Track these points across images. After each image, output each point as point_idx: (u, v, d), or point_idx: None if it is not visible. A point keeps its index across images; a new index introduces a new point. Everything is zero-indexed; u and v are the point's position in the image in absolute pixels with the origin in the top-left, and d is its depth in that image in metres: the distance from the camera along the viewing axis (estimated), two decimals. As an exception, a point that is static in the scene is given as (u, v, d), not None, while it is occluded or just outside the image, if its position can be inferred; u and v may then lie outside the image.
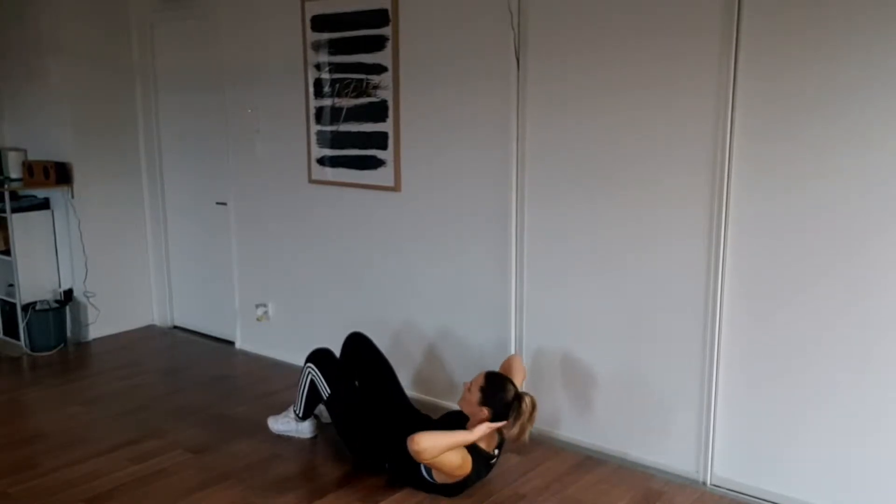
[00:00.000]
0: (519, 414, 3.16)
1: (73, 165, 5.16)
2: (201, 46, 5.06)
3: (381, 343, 3.96)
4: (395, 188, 4.17)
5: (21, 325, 5.13)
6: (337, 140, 4.39)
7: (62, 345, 5.21)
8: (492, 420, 3.20)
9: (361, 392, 3.74)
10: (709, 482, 3.36)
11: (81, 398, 4.39)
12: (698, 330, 3.29)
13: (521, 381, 3.41)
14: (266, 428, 3.89)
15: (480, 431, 3.18)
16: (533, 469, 3.51)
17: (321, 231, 4.62)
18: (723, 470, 3.33)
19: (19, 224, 5.12)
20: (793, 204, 2.99)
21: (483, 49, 3.72)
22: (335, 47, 4.29)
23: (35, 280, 5.23)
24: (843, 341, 2.95)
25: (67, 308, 5.26)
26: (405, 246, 4.22)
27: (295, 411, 3.78)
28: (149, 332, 5.64)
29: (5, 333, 5.39)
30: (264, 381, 4.63)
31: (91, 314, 5.35)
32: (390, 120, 4.11)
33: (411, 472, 3.25)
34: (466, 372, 4.01)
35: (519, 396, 3.21)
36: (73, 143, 5.16)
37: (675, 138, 3.23)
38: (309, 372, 3.64)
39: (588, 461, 3.59)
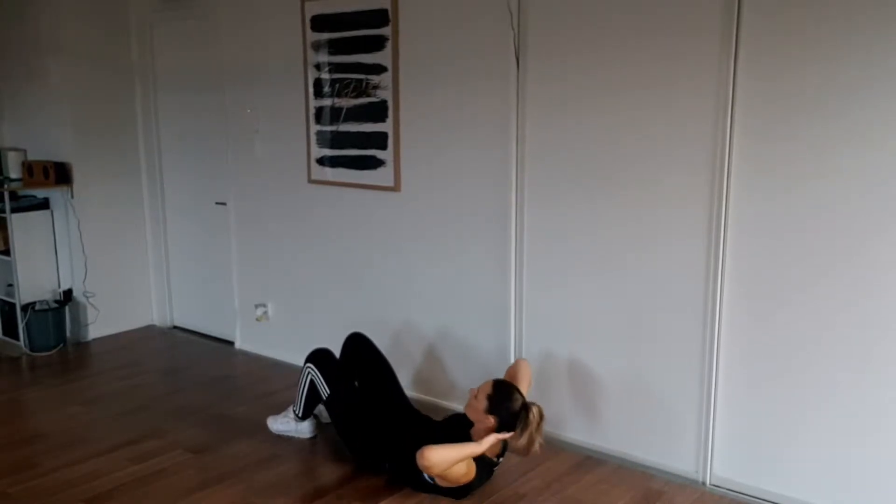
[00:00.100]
0: (526, 425, 3.16)
1: (73, 165, 5.16)
2: (201, 46, 5.06)
3: (381, 343, 3.96)
4: (395, 188, 4.17)
5: (21, 325, 5.12)
6: (337, 140, 4.38)
7: (62, 345, 5.21)
8: (498, 429, 3.20)
9: (361, 392, 3.74)
10: (709, 482, 3.36)
11: (81, 398, 4.39)
12: (698, 330, 3.29)
13: (527, 388, 3.40)
14: (266, 428, 3.89)
15: (488, 443, 3.17)
16: (533, 469, 3.51)
17: (321, 231, 4.61)
18: (723, 470, 3.33)
19: (19, 224, 5.11)
20: (793, 204, 2.99)
21: (483, 49, 3.72)
22: (335, 47, 4.29)
23: (34, 280, 5.23)
24: (843, 341, 2.95)
25: (67, 308, 5.25)
26: (405, 246, 4.22)
27: (294, 411, 3.78)
28: (148, 332, 5.64)
29: (5, 333, 5.39)
30: (264, 381, 4.63)
31: (91, 314, 5.35)
32: (390, 120, 4.11)
33: (411, 473, 3.24)
34: (466, 372, 4.02)
35: (526, 406, 3.20)
36: (73, 143, 5.16)
37: (674, 138, 3.23)
38: (308, 372, 3.64)
39: (588, 461, 3.59)
